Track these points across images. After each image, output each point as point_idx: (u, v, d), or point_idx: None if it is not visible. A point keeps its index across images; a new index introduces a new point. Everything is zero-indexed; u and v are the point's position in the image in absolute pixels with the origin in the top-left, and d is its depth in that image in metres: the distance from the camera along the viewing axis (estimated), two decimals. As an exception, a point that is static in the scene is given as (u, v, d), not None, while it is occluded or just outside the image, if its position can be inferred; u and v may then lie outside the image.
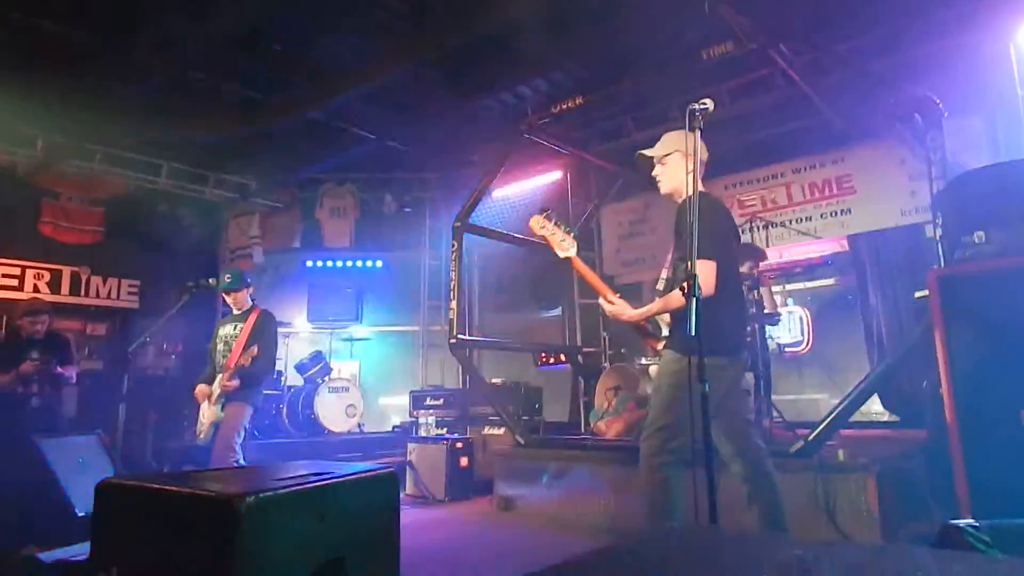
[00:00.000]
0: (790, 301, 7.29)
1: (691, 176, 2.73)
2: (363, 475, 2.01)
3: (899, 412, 5.90)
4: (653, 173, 3.10)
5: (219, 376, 4.55)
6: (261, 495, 1.62)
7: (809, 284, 7.36)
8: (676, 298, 2.69)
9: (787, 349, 6.92)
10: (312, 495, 1.78)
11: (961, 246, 3.24)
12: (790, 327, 6.91)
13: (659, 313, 2.91)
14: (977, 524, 1.25)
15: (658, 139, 3.11)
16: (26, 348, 5.07)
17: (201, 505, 1.63)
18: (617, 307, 2.97)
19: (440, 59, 6.24)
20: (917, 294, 3.61)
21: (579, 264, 3.17)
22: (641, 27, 5.51)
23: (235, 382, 4.42)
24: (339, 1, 5.50)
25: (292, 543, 1.69)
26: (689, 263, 2.28)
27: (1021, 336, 3.06)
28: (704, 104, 2.53)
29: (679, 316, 2.80)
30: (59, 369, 5.06)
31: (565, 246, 3.15)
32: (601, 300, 3.06)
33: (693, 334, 2.13)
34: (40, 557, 3.10)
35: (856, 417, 5.09)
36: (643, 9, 5.23)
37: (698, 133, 2.54)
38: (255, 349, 4.46)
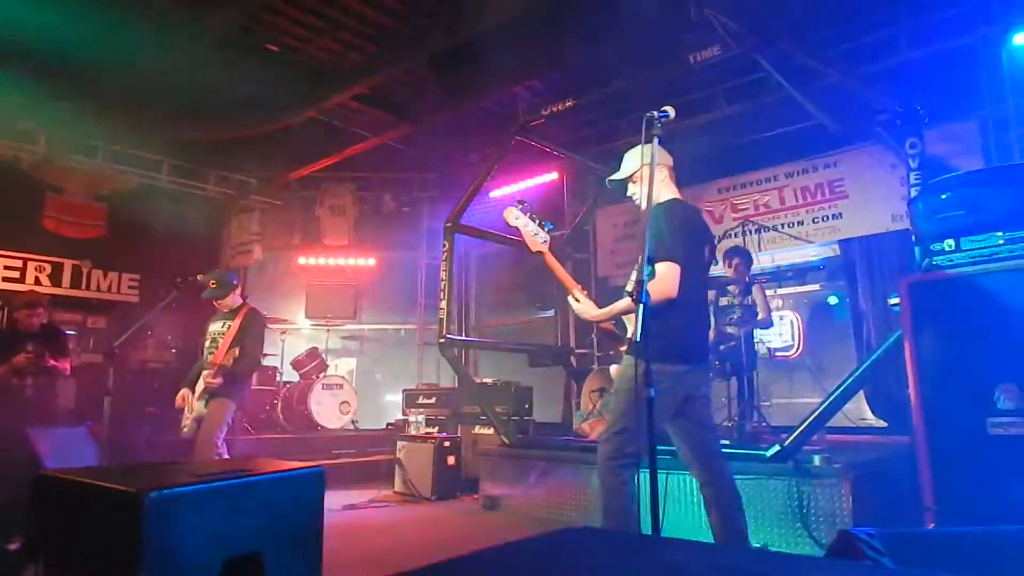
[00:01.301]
0: (779, 303, 7.27)
1: (660, 185, 2.79)
2: (286, 474, 2.08)
3: (887, 418, 5.88)
4: (628, 194, 3.11)
5: (204, 372, 4.63)
6: (167, 490, 1.71)
7: (801, 288, 7.33)
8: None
9: (778, 353, 6.92)
10: (225, 491, 1.85)
11: (931, 253, 3.24)
12: (781, 332, 6.90)
13: (621, 314, 2.93)
14: (872, 532, 1.28)
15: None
16: (22, 340, 5.17)
17: (110, 498, 1.72)
18: (583, 305, 2.99)
19: (434, 60, 6.29)
20: (891, 301, 3.60)
21: (550, 259, 3.18)
22: (634, 30, 5.53)
23: (218, 380, 4.50)
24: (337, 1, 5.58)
25: (202, 536, 1.76)
26: (637, 269, 2.31)
27: (989, 343, 3.06)
28: (664, 111, 2.56)
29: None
30: (52, 362, 5.14)
31: (538, 240, 3.14)
32: (569, 297, 3.07)
33: (638, 339, 2.15)
34: (9, 547, 3.17)
35: (844, 423, 5.08)
36: (636, 12, 5.24)
37: (655, 141, 2.55)
38: (236, 350, 4.54)
